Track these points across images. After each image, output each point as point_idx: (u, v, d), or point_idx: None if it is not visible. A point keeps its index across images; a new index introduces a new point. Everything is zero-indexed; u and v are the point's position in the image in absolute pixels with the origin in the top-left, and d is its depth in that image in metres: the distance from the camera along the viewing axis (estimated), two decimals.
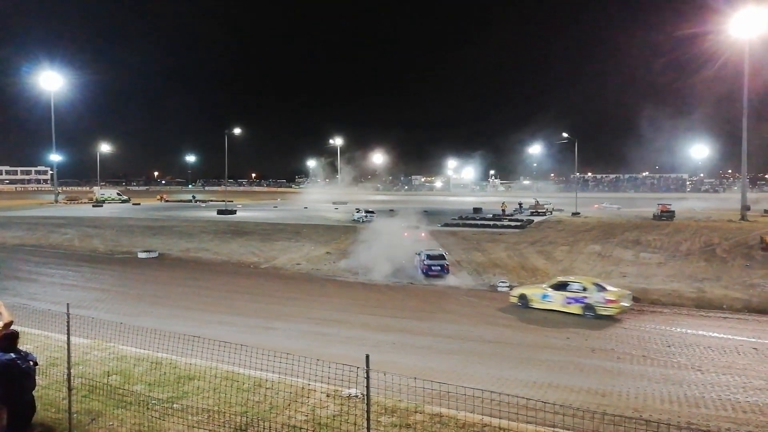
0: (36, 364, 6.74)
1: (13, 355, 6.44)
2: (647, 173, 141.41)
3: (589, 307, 16.68)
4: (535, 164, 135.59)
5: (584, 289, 17.06)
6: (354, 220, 45.95)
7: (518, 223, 43.48)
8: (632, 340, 14.40)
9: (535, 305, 17.70)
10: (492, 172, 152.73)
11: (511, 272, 24.37)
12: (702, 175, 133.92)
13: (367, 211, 48.39)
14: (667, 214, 46.02)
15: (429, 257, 23.66)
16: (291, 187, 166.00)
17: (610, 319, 16.31)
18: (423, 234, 32.28)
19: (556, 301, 17.37)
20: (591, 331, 15.25)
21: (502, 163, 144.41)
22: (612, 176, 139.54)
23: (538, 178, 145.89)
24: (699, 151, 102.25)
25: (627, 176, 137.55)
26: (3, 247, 33.42)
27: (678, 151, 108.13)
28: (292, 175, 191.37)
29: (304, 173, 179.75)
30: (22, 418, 6.64)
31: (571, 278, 18.42)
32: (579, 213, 53.19)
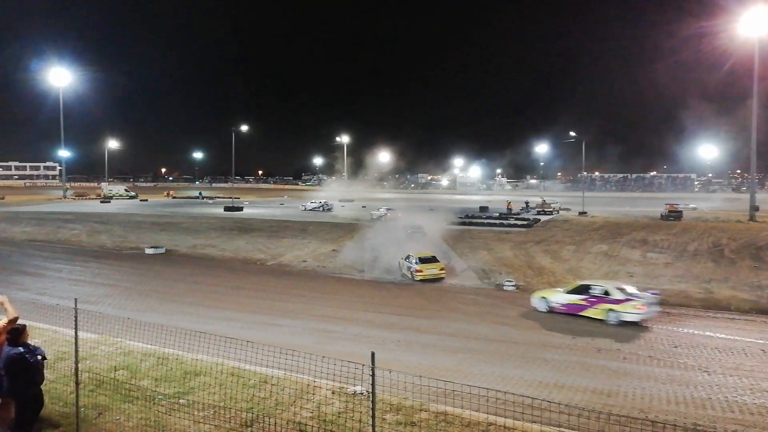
0: (44, 358, 6.81)
1: (21, 348, 6.51)
2: (655, 173, 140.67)
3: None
4: (542, 163, 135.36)
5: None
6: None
7: (525, 222, 43.34)
8: (638, 341, 14.34)
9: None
10: (498, 170, 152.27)
11: (518, 271, 24.32)
12: (711, 175, 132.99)
13: (388, 209, 48.81)
14: (674, 214, 45.76)
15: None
16: (297, 184, 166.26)
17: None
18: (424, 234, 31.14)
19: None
20: (597, 332, 15.20)
21: (509, 162, 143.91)
22: (619, 176, 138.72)
23: (544, 177, 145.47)
24: (708, 150, 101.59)
25: (634, 176, 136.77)
26: (12, 242, 33.70)
27: (686, 150, 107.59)
28: (298, 172, 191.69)
29: (311, 171, 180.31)
30: (30, 411, 6.71)
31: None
32: (586, 212, 52.94)
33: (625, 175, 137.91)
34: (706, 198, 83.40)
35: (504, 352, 13.35)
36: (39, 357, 6.65)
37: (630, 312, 15.62)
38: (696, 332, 15.30)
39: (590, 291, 16.76)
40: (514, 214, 52.01)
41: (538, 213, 53.93)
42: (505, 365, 12.27)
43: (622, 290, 16.52)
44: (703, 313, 17.78)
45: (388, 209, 48.39)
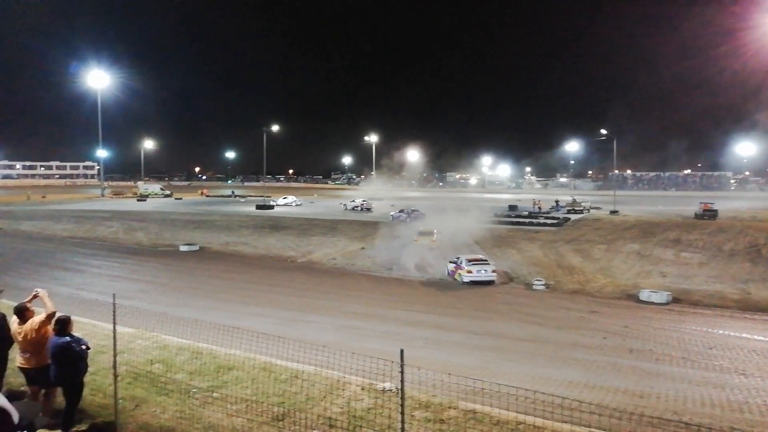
0: (88, 348, 7.12)
1: (68, 338, 6.86)
2: (689, 171, 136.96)
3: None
4: (572, 161, 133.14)
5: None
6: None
7: (555, 221, 42.84)
8: (672, 342, 14.08)
9: None
10: (528, 169, 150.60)
11: (547, 270, 24.08)
12: (748, 173, 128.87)
13: (411, 210, 46.80)
14: (709, 213, 44.63)
15: (469, 262, 21.89)
16: (327, 183, 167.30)
17: (649, 322, 15.94)
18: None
19: None
20: (629, 332, 14.99)
21: (539, 160, 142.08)
22: (652, 174, 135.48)
23: (575, 175, 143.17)
24: (745, 148, 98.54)
25: (668, 174, 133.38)
26: (53, 239, 34.83)
27: (722, 148, 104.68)
28: (328, 171, 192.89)
29: (340, 169, 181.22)
30: (75, 399, 7.02)
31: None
32: (617, 211, 52.03)
33: (658, 173, 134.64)
34: (741, 197, 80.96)
35: (533, 352, 13.27)
36: (83, 347, 6.98)
37: (465, 275, 21.29)
38: (732, 334, 14.95)
39: (457, 260, 22.30)
40: (544, 213, 51.43)
41: (569, 212, 53.23)
42: (535, 364, 12.20)
43: (469, 261, 21.92)
44: (739, 315, 17.34)
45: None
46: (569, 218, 46.33)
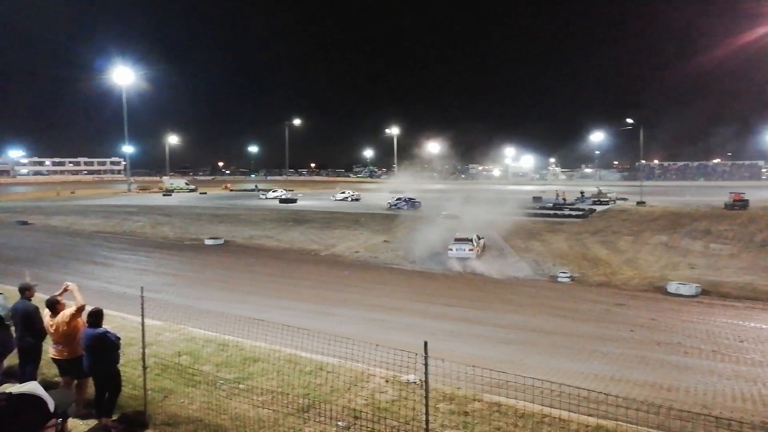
0: (118, 338, 7.28)
1: (103, 328, 7.04)
2: (718, 160, 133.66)
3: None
4: (597, 152, 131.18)
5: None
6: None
7: (580, 213, 42.34)
8: (701, 335, 13.82)
9: None
10: (552, 160, 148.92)
11: (572, 262, 23.82)
12: None
13: (408, 199, 51.77)
14: (740, 203, 43.62)
15: (456, 241, 24.24)
16: (349, 176, 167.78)
17: (678, 314, 15.68)
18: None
19: None
20: (656, 325, 14.75)
21: (563, 150, 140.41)
22: (680, 164, 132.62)
23: (600, 166, 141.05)
24: None
25: (696, 164, 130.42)
26: (82, 233, 35.58)
27: (753, 136, 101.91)
28: (349, 164, 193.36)
29: (362, 163, 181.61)
30: (111, 391, 7.19)
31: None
32: (644, 202, 51.19)
33: (686, 162, 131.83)
34: None
35: (558, 345, 13.15)
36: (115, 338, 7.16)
37: (449, 252, 23.66)
38: (764, 326, 14.61)
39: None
40: (569, 205, 50.86)
41: (594, 203, 52.57)
42: (560, 357, 12.08)
43: (455, 240, 24.12)
44: None
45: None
46: (595, 209, 45.76)
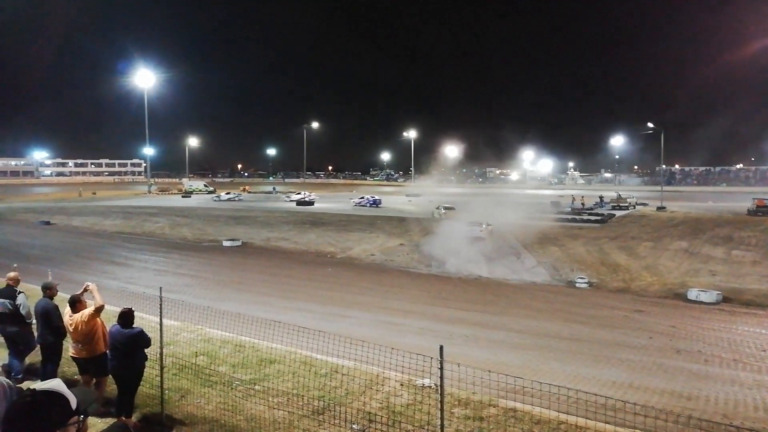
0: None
1: (139, 328, 7.15)
2: (741, 165, 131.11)
3: None
4: (617, 156, 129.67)
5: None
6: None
7: (599, 218, 41.93)
8: (722, 343, 13.58)
9: None
10: (571, 164, 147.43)
11: (590, 268, 23.58)
12: None
13: (373, 198, 58.03)
14: (763, 209, 42.85)
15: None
16: (365, 179, 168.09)
17: (698, 322, 15.43)
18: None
19: None
20: (676, 332, 14.53)
21: (582, 154, 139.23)
22: (701, 169, 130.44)
23: (620, 170, 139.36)
24: None
25: (718, 169, 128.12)
26: (103, 234, 36.13)
27: None
28: (366, 167, 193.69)
29: (379, 166, 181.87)
30: (135, 387, 7.30)
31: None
32: (665, 207, 50.50)
33: (708, 167, 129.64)
34: None
35: (575, 351, 13.01)
36: None
37: None
38: None
39: None
40: (588, 209, 50.39)
41: (613, 208, 52.04)
42: (577, 364, 11.96)
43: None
44: None
45: (374, 198, 57.90)
46: (614, 214, 45.30)
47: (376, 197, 62.96)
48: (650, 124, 64.97)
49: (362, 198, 62.96)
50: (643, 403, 8.16)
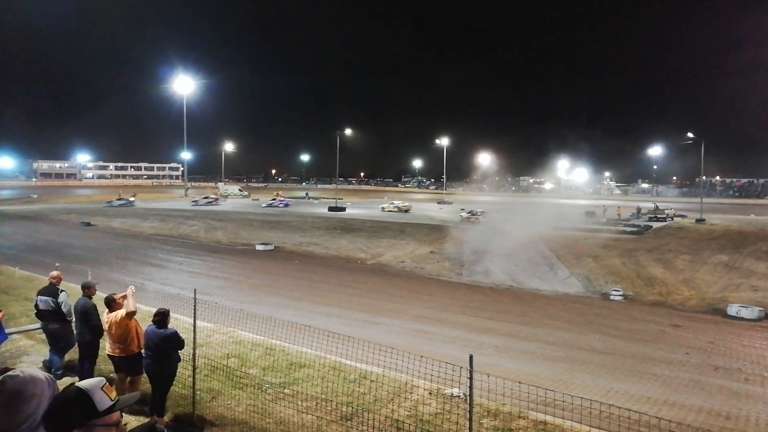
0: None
1: (173, 329, 7.32)
2: None
3: None
4: (655, 166, 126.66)
5: None
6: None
7: (635, 229, 41.01)
8: (764, 361, 13.08)
9: None
10: (607, 174, 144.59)
11: (625, 280, 23.06)
12: None
13: (282, 201, 65.42)
14: None
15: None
16: (397, 186, 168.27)
17: (738, 338, 14.92)
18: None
19: None
20: (715, 348, 14.08)
21: (619, 164, 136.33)
22: (744, 180, 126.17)
23: (658, 181, 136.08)
24: None
25: (762, 181, 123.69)
26: (140, 236, 37.04)
27: None
28: (398, 174, 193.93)
29: (410, 173, 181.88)
30: (163, 387, 7.45)
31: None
32: (704, 219, 49.09)
33: (751, 179, 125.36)
34: None
35: (609, 365, 12.73)
36: None
37: None
38: None
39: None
40: (624, 220, 49.36)
41: (650, 219, 50.84)
42: (610, 378, 11.70)
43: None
44: None
45: (309, 196, 63.97)
46: (651, 226, 44.26)
47: (287, 200, 68.63)
48: (690, 134, 63.30)
49: (274, 200, 68.15)
50: (679, 421, 7.95)
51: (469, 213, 53.60)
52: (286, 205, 66.19)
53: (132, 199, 68.45)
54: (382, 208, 62.37)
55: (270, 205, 65.72)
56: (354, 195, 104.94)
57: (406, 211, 59.55)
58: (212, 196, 73.39)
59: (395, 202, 65.91)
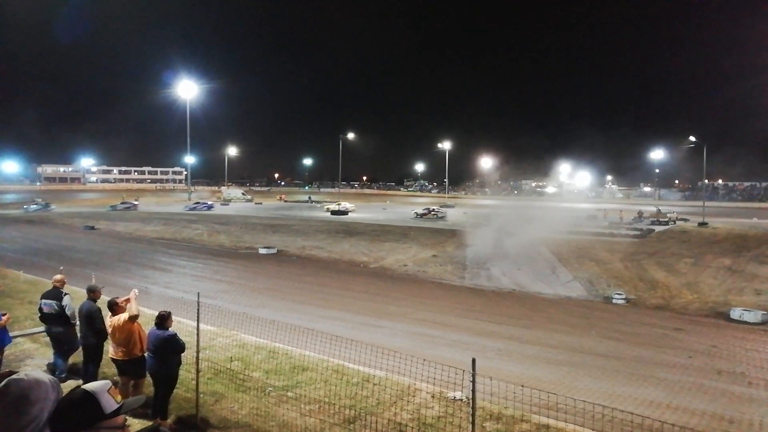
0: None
1: (172, 331, 7.35)
2: None
3: None
4: (657, 170, 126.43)
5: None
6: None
7: (637, 233, 40.98)
8: (767, 365, 13.08)
9: None
10: (609, 177, 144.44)
11: (628, 284, 23.04)
12: None
13: (205, 203, 67.69)
14: None
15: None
16: (399, 189, 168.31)
17: (741, 342, 14.91)
18: None
19: None
20: (718, 352, 14.07)
21: (621, 168, 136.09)
22: (746, 184, 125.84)
23: (660, 185, 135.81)
24: None
25: (765, 184, 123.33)
26: (144, 239, 37.14)
27: None
28: (401, 178, 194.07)
29: (413, 176, 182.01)
30: (169, 390, 7.49)
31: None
32: (707, 223, 48.99)
33: (754, 183, 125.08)
34: None
35: (611, 368, 12.72)
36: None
37: None
38: None
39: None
40: (626, 224, 49.34)
41: (653, 223, 50.78)
42: (613, 381, 11.69)
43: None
44: None
45: (207, 203, 67.85)
46: (653, 230, 44.20)
47: (209, 202, 69.43)
48: (692, 138, 63.28)
49: (197, 203, 68.43)
50: (682, 425, 7.94)
51: (425, 210, 59.52)
52: (209, 208, 66.09)
53: (135, 202, 68.64)
54: (416, 213, 59.86)
55: (193, 209, 64.81)
56: (357, 199, 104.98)
57: (442, 217, 57.25)
58: (203, 202, 71.46)
59: (433, 207, 63.66)
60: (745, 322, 17.20)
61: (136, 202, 68.20)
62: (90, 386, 2.06)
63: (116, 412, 2.04)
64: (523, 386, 6.33)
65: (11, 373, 2.15)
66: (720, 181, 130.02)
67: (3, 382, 2.04)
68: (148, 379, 7.70)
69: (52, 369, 8.90)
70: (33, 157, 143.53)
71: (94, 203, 75.85)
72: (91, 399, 2.00)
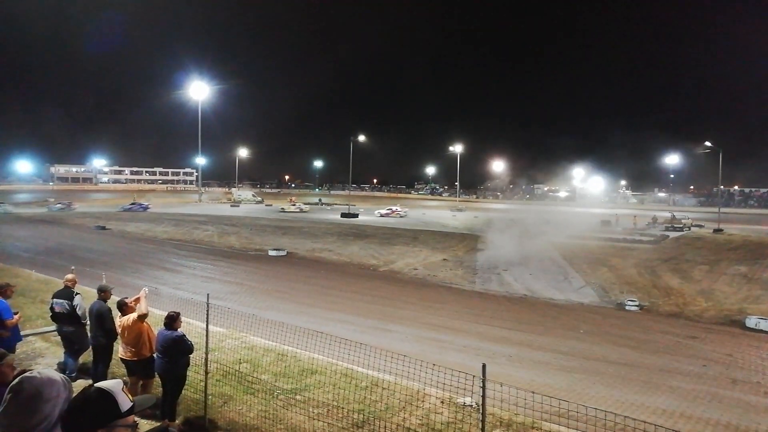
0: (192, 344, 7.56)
1: (181, 332, 7.33)
2: None
3: None
4: (671, 175, 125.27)
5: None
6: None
7: (651, 239, 40.57)
8: None
9: None
10: (623, 182, 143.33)
11: (641, 290, 22.78)
12: None
13: (143, 205, 66.51)
14: None
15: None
16: (410, 192, 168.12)
17: (757, 351, 14.66)
18: None
19: None
20: (733, 361, 13.83)
21: (635, 173, 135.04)
22: (763, 190, 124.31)
23: (675, 190, 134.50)
24: None
25: None
26: (155, 240, 37.35)
27: None
28: (411, 181, 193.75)
29: (424, 179, 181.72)
30: (177, 391, 7.47)
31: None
32: (722, 229, 48.37)
33: None
34: None
35: (624, 376, 12.55)
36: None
37: None
38: None
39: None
40: (640, 230, 48.89)
41: (667, 229, 50.26)
42: (625, 389, 11.53)
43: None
44: None
45: (144, 204, 66.94)
46: (667, 236, 43.73)
47: (145, 203, 68.31)
48: (708, 143, 62.56)
49: (132, 204, 67.46)
50: None
51: (388, 209, 63.16)
52: (146, 209, 65.21)
53: (146, 203, 69.13)
54: (379, 213, 63.22)
55: (129, 209, 64.06)
56: (367, 201, 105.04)
57: (403, 217, 60.31)
58: (139, 203, 69.10)
59: (396, 207, 65.91)
60: (762, 331, 16.93)
61: (146, 203, 68.64)
62: (105, 384, 2.05)
63: (130, 411, 2.03)
64: (534, 393, 6.22)
65: (24, 371, 2.14)
66: (736, 187, 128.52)
67: (16, 380, 2.05)
68: (157, 380, 7.68)
69: (62, 368, 8.91)
70: (47, 157, 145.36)
71: (105, 203, 76.48)
72: (107, 397, 1.98)
